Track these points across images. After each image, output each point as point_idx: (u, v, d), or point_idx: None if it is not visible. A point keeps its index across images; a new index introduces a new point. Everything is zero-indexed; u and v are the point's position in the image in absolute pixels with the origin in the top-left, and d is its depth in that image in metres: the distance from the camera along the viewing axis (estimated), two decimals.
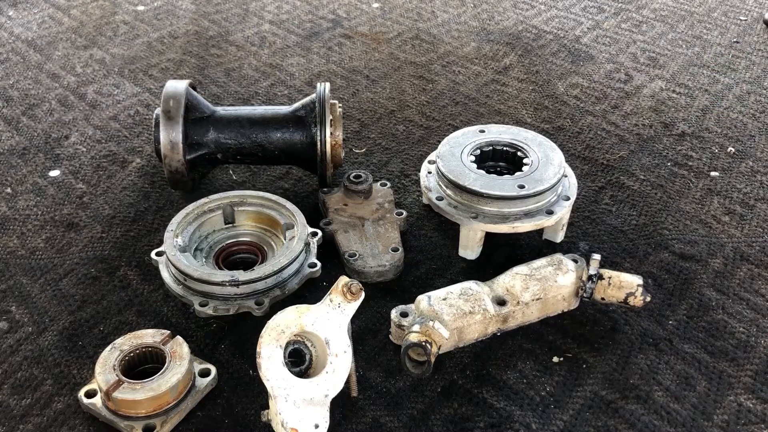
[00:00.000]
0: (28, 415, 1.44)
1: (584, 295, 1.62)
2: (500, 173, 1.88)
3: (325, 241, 1.80)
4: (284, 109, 1.96)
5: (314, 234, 1.78)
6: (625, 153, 2.22)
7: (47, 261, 1.81)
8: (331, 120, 1.89)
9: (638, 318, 1.66)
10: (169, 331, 1.49)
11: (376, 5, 3.12)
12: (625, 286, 1.59)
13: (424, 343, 1.45)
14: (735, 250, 1.86)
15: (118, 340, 1.48)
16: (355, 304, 1.39)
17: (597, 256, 1.59)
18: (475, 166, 1.81)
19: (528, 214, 1.75)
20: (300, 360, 1.37)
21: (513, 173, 1.82)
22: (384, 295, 1.71)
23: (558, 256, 1.67)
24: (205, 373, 1.48)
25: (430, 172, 1.91)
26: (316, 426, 1.29)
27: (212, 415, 1.45)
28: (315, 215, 1.89)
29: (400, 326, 1.54)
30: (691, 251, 1.86)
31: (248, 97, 2.49)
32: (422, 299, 1.56)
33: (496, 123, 2.31)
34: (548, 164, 1.80)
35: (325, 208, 1.91)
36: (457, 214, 1.77)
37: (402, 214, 1.88)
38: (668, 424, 1.44)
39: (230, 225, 1.83)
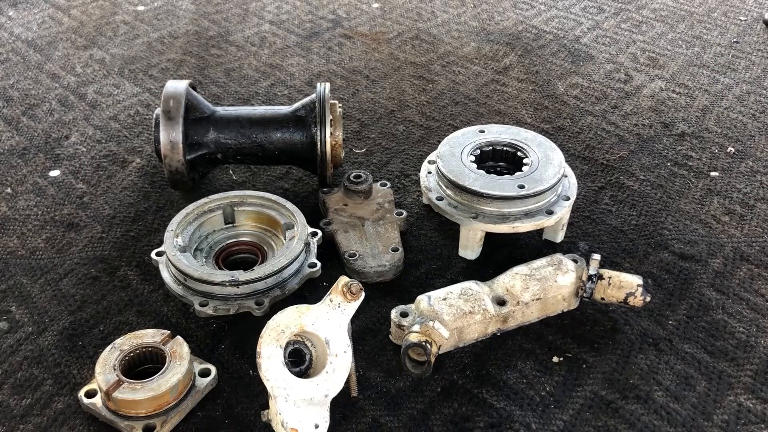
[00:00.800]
0: (28, 415, 1.44)
1: (584, 295, 1.62)
2: (500, 173, 1.88)
3: (325, 241, 1.80)
4: (284, 109, 1.96)
5: (314, 234, 1.78)
6: (625, 153, 2.22)
7: (47, 261, 1.81)
8: (331, 120, 1.89)
9: (638, 318, 1.66)
10: (169, 331, 1.49)
11: (376, 5, 3.12)
12: (625, 286, 1.59)
13: (424, 343, 1.45)
14: (735, 250, 1.86)
15: (118, 340, 1.48)
16: (355, 304, 1.39)
17: (597, 256, 1.60)
18: (475, 166, 1.81)
19: (528, 214, 1.75)
20: (300, 360, 1.37)
21: (513, 173, 1.81)
22: (384, 295, 1.71)
23: (558, 256, 1.67)
24: (205, 373, 1.48)
25: (430, 172, 1.91)
26: (316, 426, 1.29)
27: (212, 415, 1.45)
28: (315, 215, 1.89)
29: (400, 326, 1.54)
30: (691, 251, 1.86)
31: (248, 97, 2.49)
32: (422, 299, 1.56)
33: (496, 123, 2.31)
34: (548, 164, 1.80)
35: (325, 208, 1.91)
36: (457, 214, 1.77)
37: (402, 214, 1.88)
38: (668, 424, 1.44)
39: (230, 225, 1.83)
